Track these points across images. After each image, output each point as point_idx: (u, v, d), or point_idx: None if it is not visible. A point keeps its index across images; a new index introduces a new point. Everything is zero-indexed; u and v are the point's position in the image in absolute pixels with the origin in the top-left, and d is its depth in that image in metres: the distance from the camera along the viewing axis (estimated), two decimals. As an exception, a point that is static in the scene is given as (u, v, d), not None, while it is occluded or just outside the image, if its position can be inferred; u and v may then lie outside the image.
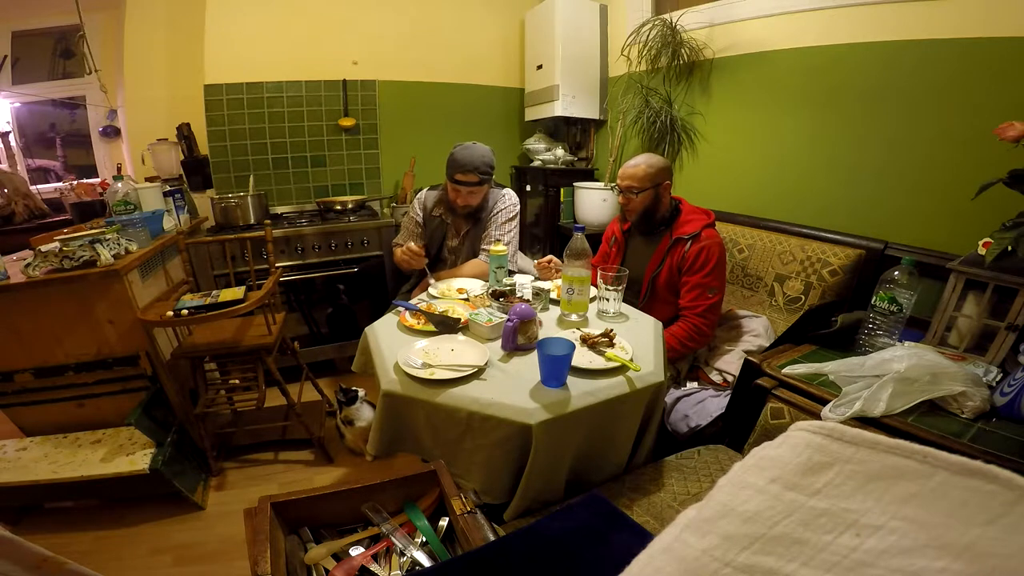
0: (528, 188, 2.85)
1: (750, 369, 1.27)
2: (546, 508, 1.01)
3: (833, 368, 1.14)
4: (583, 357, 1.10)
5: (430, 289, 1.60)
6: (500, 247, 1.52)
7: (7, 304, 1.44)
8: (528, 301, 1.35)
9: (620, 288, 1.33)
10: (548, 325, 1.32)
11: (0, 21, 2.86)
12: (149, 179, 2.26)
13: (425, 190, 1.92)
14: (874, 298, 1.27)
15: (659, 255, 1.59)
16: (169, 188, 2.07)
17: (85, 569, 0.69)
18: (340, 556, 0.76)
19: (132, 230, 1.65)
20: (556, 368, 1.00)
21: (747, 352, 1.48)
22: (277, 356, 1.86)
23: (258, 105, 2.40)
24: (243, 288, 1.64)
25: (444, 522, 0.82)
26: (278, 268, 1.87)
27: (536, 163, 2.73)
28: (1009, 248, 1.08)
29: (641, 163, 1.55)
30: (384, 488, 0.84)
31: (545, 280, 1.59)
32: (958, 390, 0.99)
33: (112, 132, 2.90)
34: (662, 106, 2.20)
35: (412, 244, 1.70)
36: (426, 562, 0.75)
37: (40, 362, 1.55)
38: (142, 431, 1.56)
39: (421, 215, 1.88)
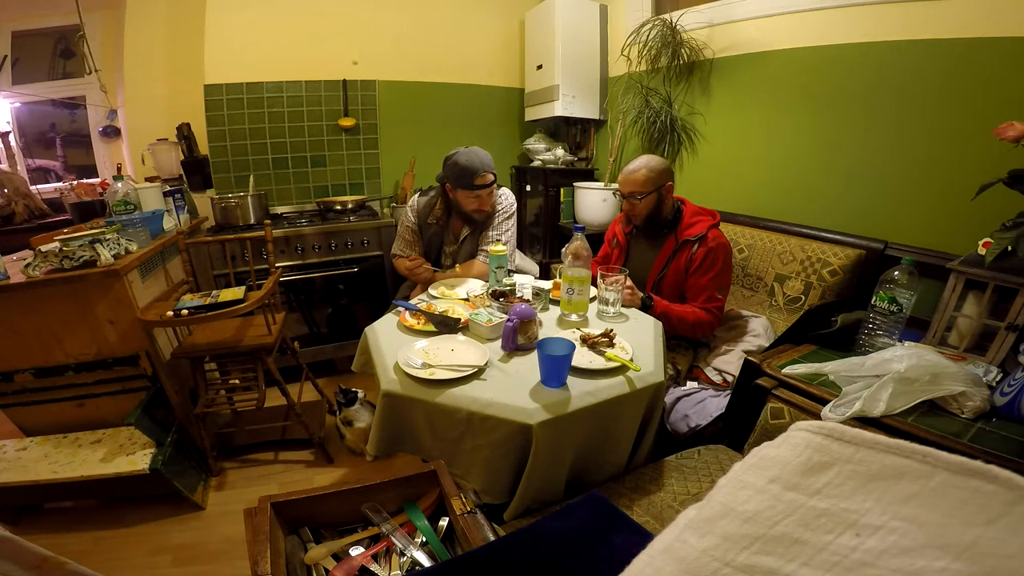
0: (528, 188, 2.86)
1: (750, 369, 1.27)
2: (546, 508, 1.01)
3: (833, 368, 1.14)
4: (583, 357, 1.10)
5: (430, 289, 1.60)
6: (500, 247, 1.52)
7: (7, 304, 1.44)
8: (528, 301, 1.35)
9: (620, 288, 1.33)
10: (548, 325, 1.32)
11: (0, 21, 2.86)
12: (149, 179, 2.26)
13: (416, 196, 1.90)
14: (874, 298, 1.27)
15: (663, 257, 1.58)
16: (169, 188, 2.07)
17: (85, 569, 0.69)
18: (340, 556, 0.76)
19: (132, 230, 1.65)
20: (556, 368, 1.00)
21: (747, 352, 1.48)
22: (277, 356, 1.86)
23: (258, 105, 2.40)
24: (243, 288, 1.64)
25: (444, 522, 0.82)
26: (278, 268, 1.87)
27: (536, 163, 2.73)
28: (1009, 248, 1.08)
29: (641, 167, 1.53)
30: (384, 488, 0.84)
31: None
32: (958, 390, 0.99)
33: (112, 132, 2.90)
34: (662, 106, 2.20)
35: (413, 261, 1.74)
36: (426, 562, 0.75)
37: (40, 362, 1.55)
38: (142, 431, 1.56)
39: (416, 222, 1.87)
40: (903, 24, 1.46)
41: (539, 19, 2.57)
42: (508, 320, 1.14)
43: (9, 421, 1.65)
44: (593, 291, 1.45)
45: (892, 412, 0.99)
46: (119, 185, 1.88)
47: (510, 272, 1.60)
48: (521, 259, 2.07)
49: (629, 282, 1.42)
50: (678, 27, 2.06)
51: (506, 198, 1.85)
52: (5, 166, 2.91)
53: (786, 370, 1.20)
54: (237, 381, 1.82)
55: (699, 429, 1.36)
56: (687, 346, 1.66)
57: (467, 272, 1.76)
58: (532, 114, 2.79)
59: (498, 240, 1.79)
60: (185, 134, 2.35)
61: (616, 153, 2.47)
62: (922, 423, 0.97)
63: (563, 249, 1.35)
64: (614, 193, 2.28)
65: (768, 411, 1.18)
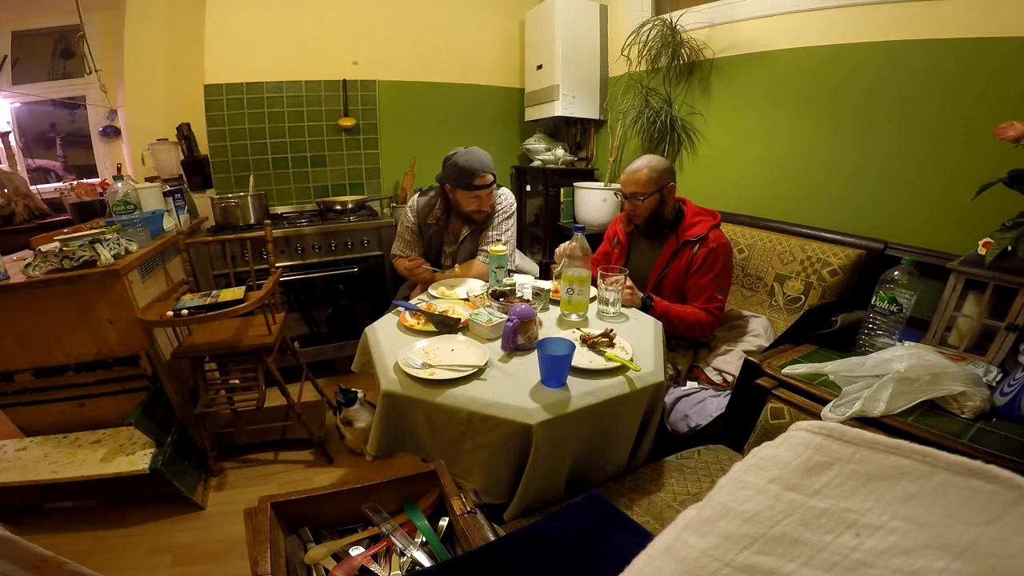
0: (528, 188, 2.85)
1: (750, 369, 1.27)
2: (546, 508, 1.01)
3: (833, 368, 1.14)
4: (583, 357, 1.10)
5: (430, 289, 1.60)
6: (500, 247, 1.52)
7: (7, 304, 1.44)
8: (528, 301, 1.35)
9: (620, 288, 1.33)
10: (548, 325, 1.32)
11: (0, 21, 2.86)
12: (149, 179, 2.26)
13: (415, 196, 1.90)
14: (874, 298, 1.27)
15: (664, 257, 1.58)
16: (169, 188, 2.07)
17: (85, 569, 0.69)
18: (340, 556, 0.76)
19: (132, 230, 1.64)
20: (556, 368, 1.00)
21: (747, 352, 1.48)
22: (277, 356, 1.86)
23: (258, 105, 2.40)
24: (243, 288, 1.64)
25: (444, 522, 0.82)
26: (278, 268, 1.86)
27: (536, 163, 2.73)
28: (1009, 248, 1.08)
29: (643, 167, 1.53)
30: (384, 488, 0.84)
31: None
32: (958, 390, 0.99)
33: (112, 132, 2.90)
34: (662, 106, 2.20)
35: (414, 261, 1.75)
36: (426, 562, 0.75)
37: (40, 362, 1.55)
38: (142, 431, 1.56)
39: (415, 222, 1.87)
40: (903, 24, 1.46)
41: (539, 19, 2.57)
42: (508, 320, 1.14)
43: (9, 421, 1.65)
44: (593, 291, 1.45)
45: (892, 412, 0.99)
46: (119, 185, 1.88)
47: (510, 272, 1.60)
48: (521, 259, 2.07)
49: (629, 282, 1.42)
50: (678, 27, 2.06)
51: (506, 198, 1.85)
52: (5, 166, 2.91)
53: (786, 370, 1.20)
54: (237, 381, 1.82)
55: (699, 429, 1.36)
56: (687, 346, 1.66)
57: (467, 272, 1.76)
58: (532, 114, 2.79)
59: (498, 240, 1.79)
60: (185, 134, 2.35)
61: (616, 153, 2.47)
62: (922, 423, 0.97)
63: (556, 249, 1.34)
64: (615, 193, 2.28)
65: (768, 411, 1.18)
